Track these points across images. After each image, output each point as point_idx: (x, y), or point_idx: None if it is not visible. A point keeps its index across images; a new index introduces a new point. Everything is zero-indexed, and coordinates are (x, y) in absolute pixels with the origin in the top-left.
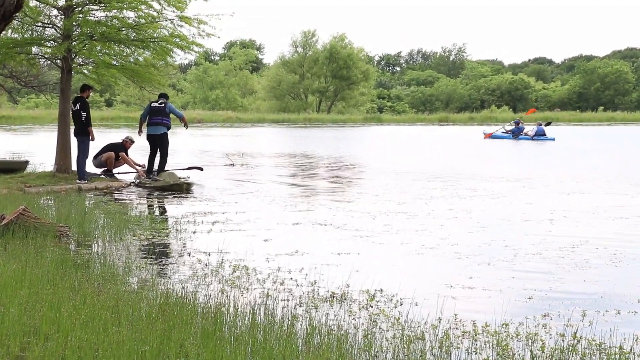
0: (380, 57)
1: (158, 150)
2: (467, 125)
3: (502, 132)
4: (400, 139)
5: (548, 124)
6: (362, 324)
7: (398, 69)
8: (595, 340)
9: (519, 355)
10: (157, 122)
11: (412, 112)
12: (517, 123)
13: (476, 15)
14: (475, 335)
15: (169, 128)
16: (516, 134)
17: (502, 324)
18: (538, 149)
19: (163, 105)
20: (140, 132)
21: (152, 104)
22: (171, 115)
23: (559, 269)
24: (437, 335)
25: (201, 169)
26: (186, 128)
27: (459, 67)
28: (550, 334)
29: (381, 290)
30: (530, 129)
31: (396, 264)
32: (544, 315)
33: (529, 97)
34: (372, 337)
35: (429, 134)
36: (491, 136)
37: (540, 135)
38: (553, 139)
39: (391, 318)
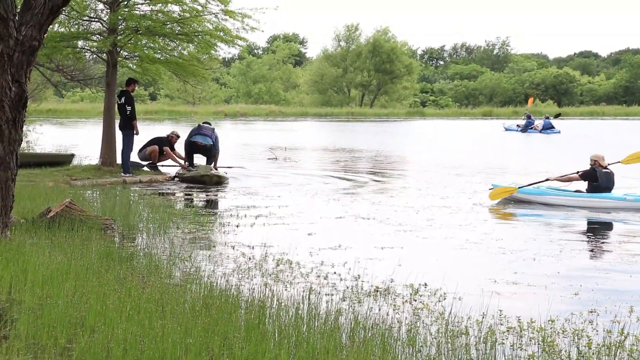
0: (423, 51)
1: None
2: (511, 119)
3: (517, 126)
4: (442, 133)
5: (557, 116)
6: (406, 318)
7: (441, 62)
8: None
9: (566, 351)
10: (207, 134)
11: (456, 106)
12: (528, 117)
13: (520, 9)
14: (521, 331)
15: (213, 146)
16: (525, 127)
17: (548, 320)
18: (562, 142)
19: (212, 127)
20: (185, 166)
21: (201, 124)
22: None
23: (605, 264)
24: (481, 330)
25: (244, 169)
26: (215, 169)
27: (502, 60)
28: (597, 330)
29: (425, 284)
30: (538, 122)
31: (440, 259)
32: (591, 311)
33: (574, 91)
34: (416, 332)
35: (455, 128)
36: (506, 129)
37: (547, 128)
38: (559, 132)
39: (435, 313)
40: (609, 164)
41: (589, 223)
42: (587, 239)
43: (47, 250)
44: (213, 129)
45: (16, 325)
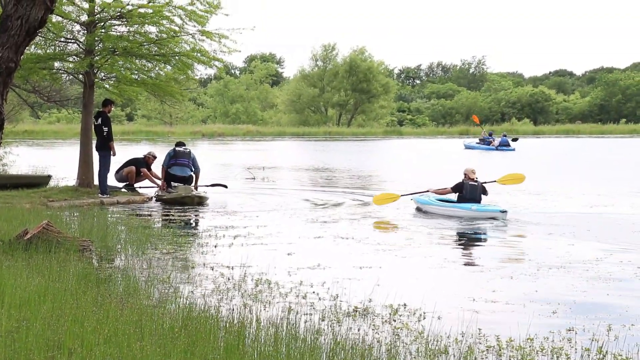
0: (400, 70)
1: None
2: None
3: (476, 143)
4: (419, 152)
5: (515, 140)
6: (386, 338)
7: (418, 82)
8: (621, 355)
9: None
10: (184, 163)
11: (433, 125)
12: (490, 134)
13: (496, 28)
14: (500, 349)
15: (192, 172)
16: (482, 141)
17: (527, 339)
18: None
19: (188, 150)
20: (163, 186)
21: (176, 149)
22: None
23: (582, 283)
24: (461, 349)
25: (225, 187)
26: (195, 189)
27: (479, 79)
28: (576, 349)
29: (404, 304)
30: (496, 140)
31: (419, 278)
32: (569, 330)
33: (550, 109)
34: (395, 352)
35: (432, 147)
36: (465, 147)
37: (503, 145)
38: (514, 149)
39: (414, 332)
40: (485, 182)
41: (567, 242)
42: (565, 257)
43: (24, 273)
44: (189, 152)
45: None
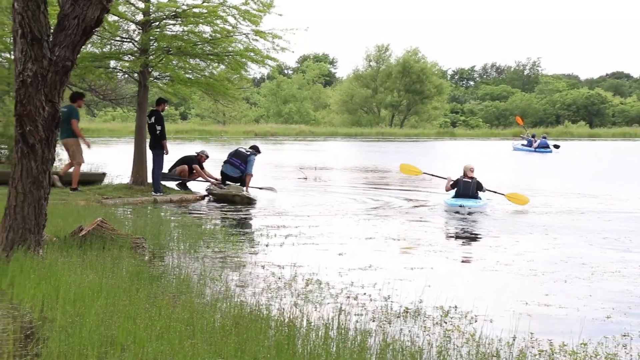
0: (453, 71)
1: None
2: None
3: (522, 145)
4: (472, 154)
5: (557, 147)
6: (436, 340)
7: (472, 83)
8: None
9: None
10: (235, 164)
11: (486, 126)
12: (533, 136)
13: (551, 30)
14: (552, 354)
15: (242, 175)
16: (525, 145)
17: (580, 344)
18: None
19: (248, 153)
20: (217, 182)
21: (238, 149)
22: None
23: (638, 287)
24: (512, 353)
25: (274, 191)
26: (245, 190)
27: (533, 81)
28: (631, 355)
29: (455, 306)
30: (536, 142)
31: (470, 280)
32: (624, 335)
33: (606, 112)
34: (446, 354)
35: (486, 149)
36: (514, 148)
37: (542, 147)
38: (551, 151)
39: (465, 334)
40: (495, 191)
41: (622, 246)
42: (620, 262)
43: (78, 269)
44: (247, 155)
45: (48, 343)
